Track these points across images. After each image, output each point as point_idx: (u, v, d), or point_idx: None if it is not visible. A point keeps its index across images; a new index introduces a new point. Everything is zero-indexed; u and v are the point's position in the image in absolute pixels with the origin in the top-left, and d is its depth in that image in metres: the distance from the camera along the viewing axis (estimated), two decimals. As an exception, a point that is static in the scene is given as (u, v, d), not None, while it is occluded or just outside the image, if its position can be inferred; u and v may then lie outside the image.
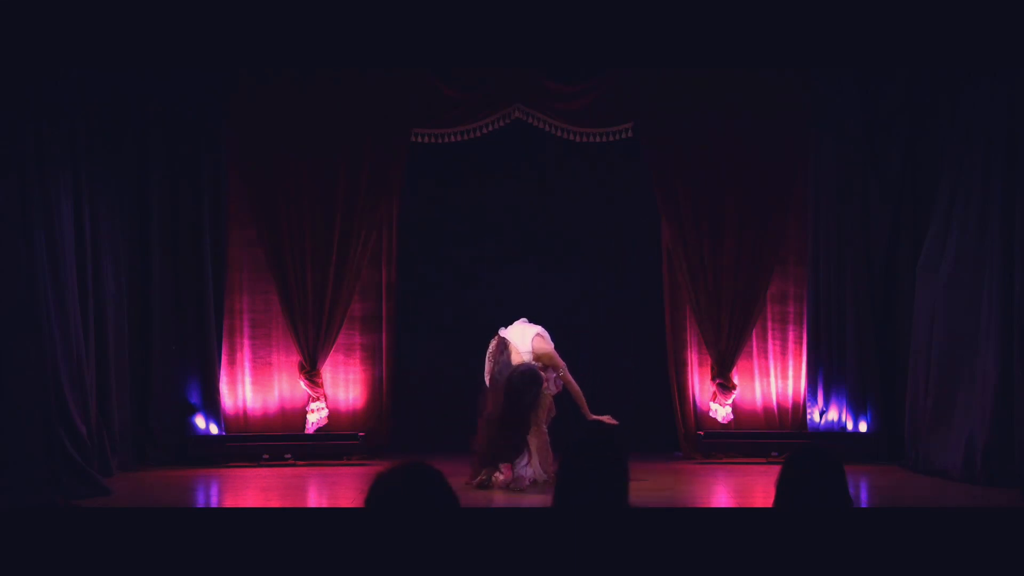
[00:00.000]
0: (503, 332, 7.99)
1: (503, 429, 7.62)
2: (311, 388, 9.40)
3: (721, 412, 9.51)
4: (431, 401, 9.98)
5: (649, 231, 9.79)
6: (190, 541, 3.70)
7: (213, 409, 9.32)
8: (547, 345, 7.92)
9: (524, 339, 7.91)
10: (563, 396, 8.08)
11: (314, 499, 8.02)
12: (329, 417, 9.46)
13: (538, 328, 8.01)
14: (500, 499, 7.40)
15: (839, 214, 9.49)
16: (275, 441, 9.26)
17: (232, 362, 9.51)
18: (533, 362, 7.79)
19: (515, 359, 7.79)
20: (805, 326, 9.66)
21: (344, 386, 9.64)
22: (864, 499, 7.58)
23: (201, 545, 3.67)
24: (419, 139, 9.49)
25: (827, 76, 9.43)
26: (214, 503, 7.90)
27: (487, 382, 7.99)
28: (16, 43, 6.88)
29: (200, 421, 9.31)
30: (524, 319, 8.11)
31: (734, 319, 9.47)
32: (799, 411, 9.65)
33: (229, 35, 7.11)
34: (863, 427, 9.41)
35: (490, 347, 7.98)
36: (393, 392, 9.65)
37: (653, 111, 9.47)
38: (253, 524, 3.90)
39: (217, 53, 7.45)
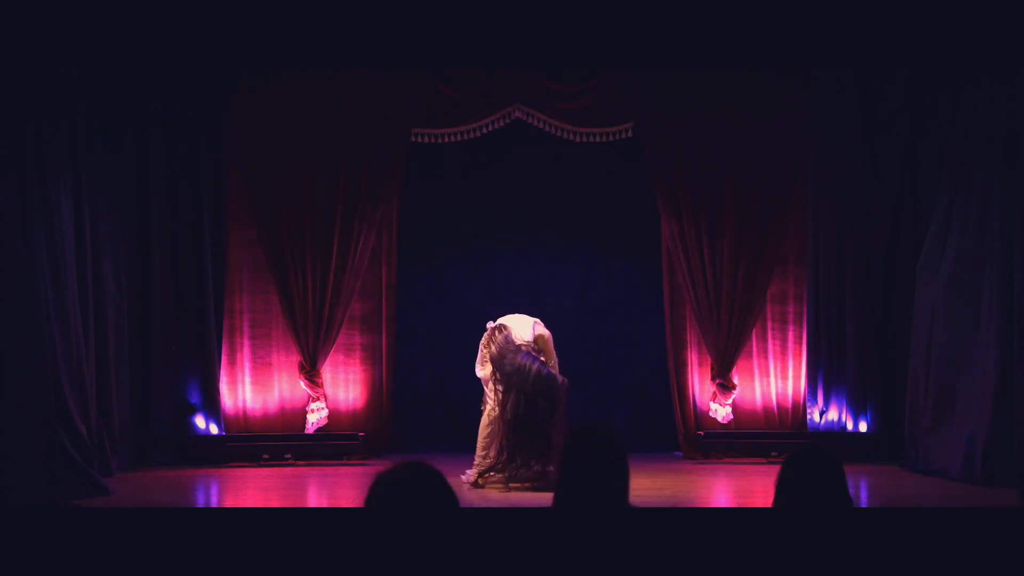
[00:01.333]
0: (493, 323, 7.96)
1: (517, 433, 7.58)
2: (311, 388, 9.40)
3: (721, 412, 9.51)
4: (431, 401, 9.99)
5: (649, 231, 9.79)
6: (190, 541, 3.70)
7: (213, 409, 9.31)
8: (547, 332, 7.95)
9: (523, 324, 7.92)
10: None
11: (314, 499, 8.02)
12: (329, 417, 9.46)
13: (535, 319, 8.03)
14: (500, 499, 7.40)
15: (839, 214, 9.49)
16: (275, 441, 9.26)
17: (232, 362, 9.51)
18: (531, 343, 7.78)
19: (516, 337, 7.79)
20: (805, 326, 9.66)
21: (344, 386, 9.64)
22: (864, 499, 7.58)
23: (201, 545, 3.67)
24: (419, 139, 9.49)
25: (827, 76, 9.43)
26: (214, 503, 7.90)
27: (479, 370, 7.95)
28: (16, 43, 6.88)
29: (200, 421, 9.30)
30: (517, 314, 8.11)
31: (734, 319, 9.47)
32: (799, 411, 9.65)
33: (229, 35, 7.11)
34: (863, 427, 9.41)
35: (483, 339, 7.97)
36: (393, 392, 9.65)
37: (653, 111, 9.47)
38: (253, 524, 3.91)
39: (217, 53, 7.45)
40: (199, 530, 3.82)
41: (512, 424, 7.55)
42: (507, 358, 7.63)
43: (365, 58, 7.87)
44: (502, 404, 7.64)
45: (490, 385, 7.90)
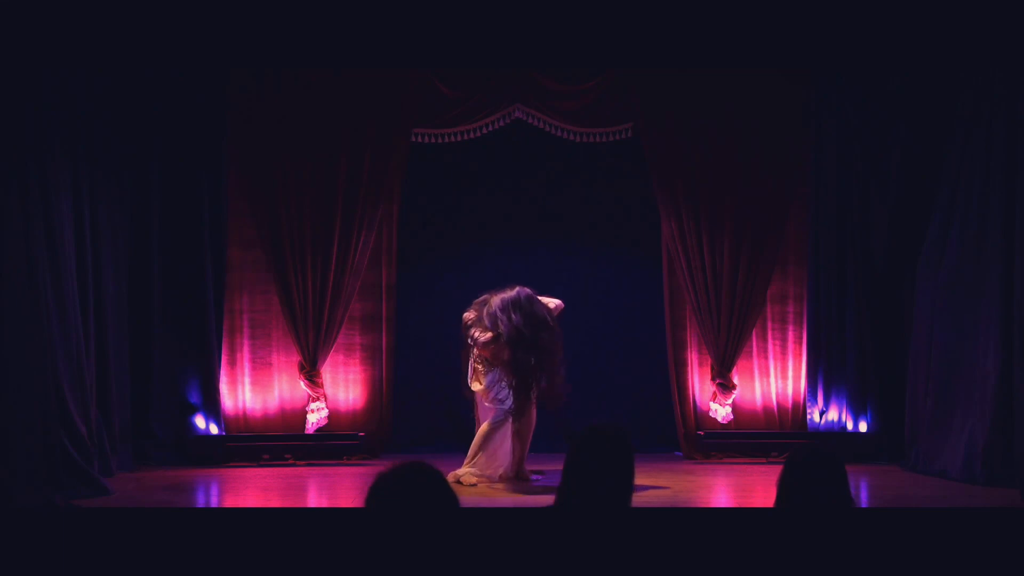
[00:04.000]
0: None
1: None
2: (311, 388, 9.40)
3: (721, 412, 9.51)
4: (431, 401, 9.98)
5: (649, 231, 9.79)
6: (190, 541, 3.70)
7: (213, 409, 9.32)
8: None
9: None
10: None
11: (314, 499, 8.02)
12: (329, 417, 9.45)
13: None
14: (500, 499, 7.40)
15: (839, 214, 9.49)
16: (275, 441, 9.26)
17: (232, 362, 9.51)
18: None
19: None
20: (805, 326, 9.66)
21: (344, 386, 9.64)
22: (864, 499, 7.58)
23: (201, 545, 3.67)
24: (419, 139, 9.49)
25: (827, 76, 9.44)
26: (214, 503, 7.90)
27: (474, 385, 7.95)
28: (16, 43, 6.88)
29: (200, 421, 9.31)
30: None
31: (734, 319, 9.47)
32: (799, 411, 9.65)
33: (229, 35, 7.11)
34: (863, 427, 9.41)
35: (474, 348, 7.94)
36: (393, 392, 9.65)
37: (653, 111, 9.47)
38: (253, 524, 3.91)
39: (217, 53, 7.46)
40: (199, 530, 3.82)
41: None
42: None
43: (365, 58, 7.86)
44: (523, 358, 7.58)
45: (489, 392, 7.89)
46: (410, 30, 7.23)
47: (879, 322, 9.44)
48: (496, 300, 7.65)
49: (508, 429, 7.85)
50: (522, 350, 7.52)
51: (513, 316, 7.52)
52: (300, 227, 9.35)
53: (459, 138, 9.52)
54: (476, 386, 7.91)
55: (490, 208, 10.10)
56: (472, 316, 7.81)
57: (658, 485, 7.80)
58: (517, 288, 7.71)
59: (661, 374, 9.76)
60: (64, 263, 7.65)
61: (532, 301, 7.63)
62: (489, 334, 7.59)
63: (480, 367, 7.87)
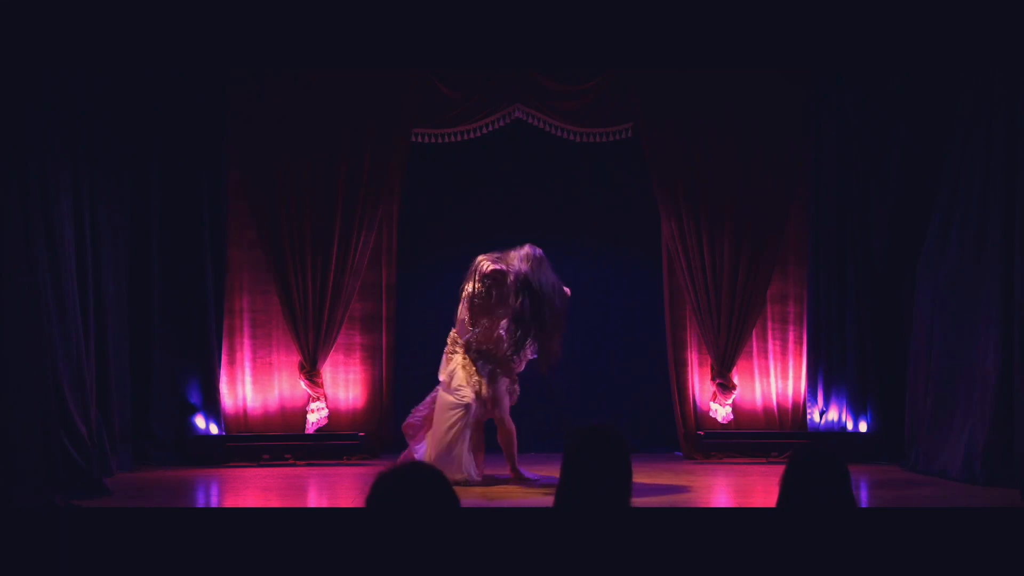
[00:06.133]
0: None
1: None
2: (311, 388, 9.40)
3: (721, 412, 9.51)
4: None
5: (649, 231, 9.79)
6: (190, 541, 3.71)
7: (213, 409, 9.32)
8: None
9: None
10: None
11: (314, 499, 8.02)
12: (329, 417, 9.46)
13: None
14: (500, 499, 7.40)
15: (839, 214, 9.49)
16: (275, 441, 9.26)
17: (232, 362, 9.51)
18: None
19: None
20: (805, 326, 9.66)
21: (344, 386, 9.64)
22: (864, 499, 7.57)
23: (201, 545, 3.67)
24: (419, 139, 9.50)
25: (827, 76, 9.44)
26: (214, 503, 7.90)
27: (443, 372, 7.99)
28: (16, 43, 6.89)
29: (200, 421, 9.31)
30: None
31: (734, 319, 9.47)
32: (799, 411, 9.65)
33: (229, 35, 7.12)
34: (863, 427, 9.41)
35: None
36: (393, 392, 9.65)
37: (653, 111, 9.47)
38: (253, 524, 3.91)
39: (217, 53, 7.46)
40: (199, 530, 3.83)
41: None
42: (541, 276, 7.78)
43: (365, 58, 7.87)
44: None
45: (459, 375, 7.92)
46: (410, 30, 7.24)
47: (879, 322, 9.44)
48: (512, 253, 7.84)
49: (468, 429, 7.87)
50: (525, 297, 7.64)
51: (523, 266, 7.71)
52: (300, 227, 9.36)
53: (459, 138, 9.53)
54: (458, 374, 7.95)
55: (490, 208, 10.09)
56: (487, 257, 7.93)
57: (658, 485, 7.80)
58: (528, 245, 7.83)
59: (661, 374, 9.76)
60: (64, 263, 7.65)
61: (542, 262, 7.79)
62: (500, 266, 7.74)
63: (452, 350, 8.00)
